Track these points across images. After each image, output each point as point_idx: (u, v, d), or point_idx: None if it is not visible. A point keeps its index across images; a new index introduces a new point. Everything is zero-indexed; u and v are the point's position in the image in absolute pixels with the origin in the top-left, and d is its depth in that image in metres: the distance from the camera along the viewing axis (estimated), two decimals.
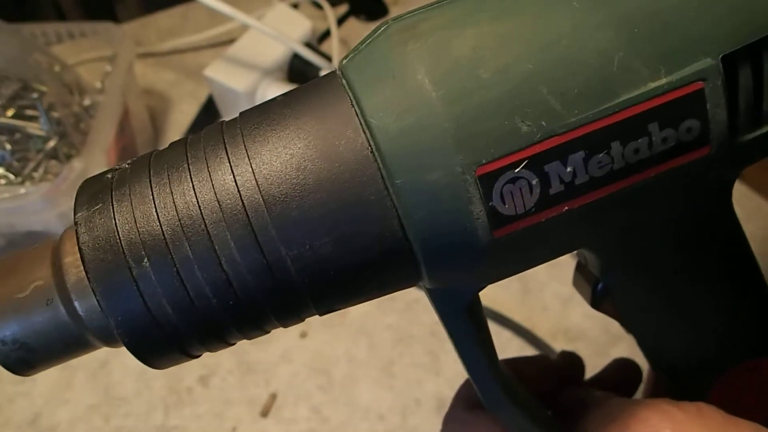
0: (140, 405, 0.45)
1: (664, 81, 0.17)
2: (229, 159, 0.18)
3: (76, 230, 0.19)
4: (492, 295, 0.48)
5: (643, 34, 0.17)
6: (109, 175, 0.20)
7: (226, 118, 0.20)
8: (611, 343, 0.47)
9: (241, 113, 0.20)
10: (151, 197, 0.18)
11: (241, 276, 0.18)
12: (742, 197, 0.52)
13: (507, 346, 0.46)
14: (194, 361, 0.50)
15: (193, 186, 0.18)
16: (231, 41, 0.60)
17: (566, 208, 0.18)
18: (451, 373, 0.45)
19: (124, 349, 0.49)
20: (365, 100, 0.18)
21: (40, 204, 0.42)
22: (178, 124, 0.63)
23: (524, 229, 0.18)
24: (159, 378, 0.46)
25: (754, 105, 0.18)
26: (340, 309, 0.21)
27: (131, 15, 0.75)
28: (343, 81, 0.18)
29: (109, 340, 0.20)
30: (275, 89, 0.56)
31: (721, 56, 0.17)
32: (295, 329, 0.48)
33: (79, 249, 0.19)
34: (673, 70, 0.17)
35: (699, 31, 0.17)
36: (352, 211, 0.18)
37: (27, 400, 0.46)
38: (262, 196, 0.18)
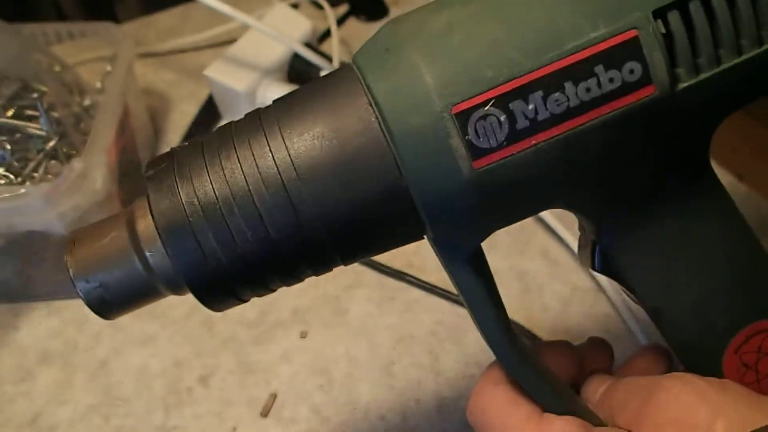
0: (140, 405, 0.45)
1: (602, 31, 0.21)
2: (260, 117, 0.23)
3: (146, 186, 0.24)
4: None
5: None
6: (170, 149, 0.25)
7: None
8: (612, 343, 0.47)
9: (274, 100, 0.25)
10: (202, 155, 0.23)
11: (270, 212, 0.22)
12: (743, 197, 0.52)
13: None
14: (194, 360, 0.50)
15: (234, 145, 0.23)
16: (231, 41, 0.60)
17: (533, 141, 0.21)
18: (451, 373, 0.45)
19: (123, 349, 0.49)
20: (366, 70, 0.22)
21: (40, 204, 0.42)
22: (178, 124, 0.63)
23: (500, 162, 0.21)
24: (159, 378, 0.46)
25: (692, 53, 0.22)
26: (360, 256, 0.24)
27: (131, 15, 0.75)
28: (353, 65, 0.23)
29: (170, 282, 0.24)
30: (275, 89, 0.56)
31: (651, 10, 0.21)
32: (295, 329, 0.48)
33: (147, 196, 0.23)
34: (609, 23, 0.21)
35: None
36: (357, 154, 0.22)
37: (27, 400, 0.46)
38: (284, 141, 0.22)
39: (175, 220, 0.23)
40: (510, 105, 0.21)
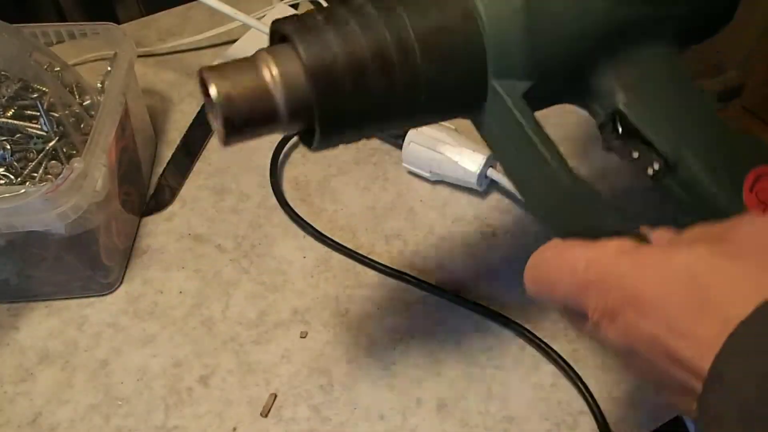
0: (140, 405, 0.45)
1: None
2: None
3: (285, 29, 0.30)
4: (492, 295, 0.48)
5: None
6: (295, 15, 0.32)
7: None
8: None
9: None
10: (331, 9, 0.30)
11: (374, 40, 0.29)
12: None
13: (507, 346, 0.46)
14: (194, 360, 0.49)
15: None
16: (231, 41, 0.60)
17: None
18: (451, 373, 0.45)
19: (123, 349, 0.48)
20: None
21: (40, 204, 0.42)
22: (178, 124, 0.63)
23: None
24: (159, 378, 0.46)
25: None
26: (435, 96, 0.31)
27: (131, 15, 0.75)
28: None
29: (289, 101, 0.28)
30: None
31: None
32: (295, 329, 0.48)
33: (289, 37, 0.29)
34: None
35: None
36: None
37: (27, 400, 0.46)
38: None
39: (308, 34, 0.29)
40: None
